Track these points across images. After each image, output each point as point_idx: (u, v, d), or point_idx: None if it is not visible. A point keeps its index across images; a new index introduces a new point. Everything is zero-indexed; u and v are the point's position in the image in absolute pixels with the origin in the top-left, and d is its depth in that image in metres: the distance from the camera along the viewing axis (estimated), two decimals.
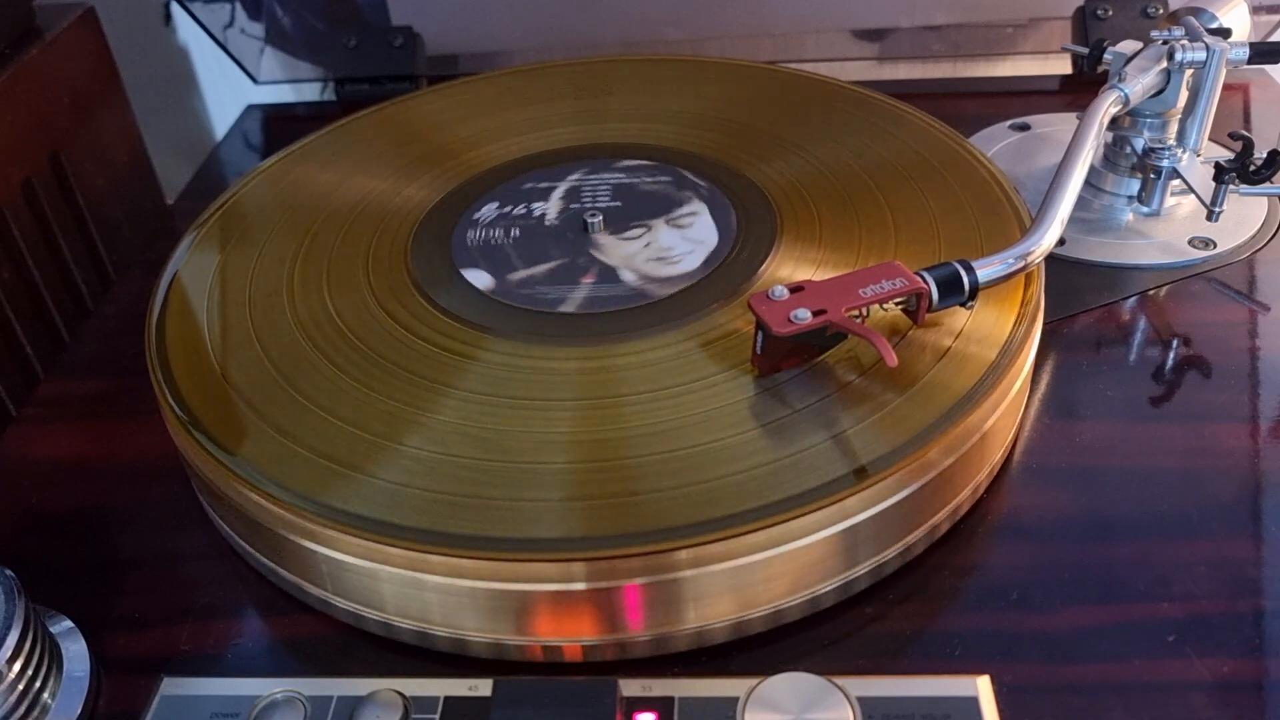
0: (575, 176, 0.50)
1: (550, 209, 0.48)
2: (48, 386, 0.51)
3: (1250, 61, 0.49)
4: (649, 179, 0.50)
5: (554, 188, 0.49)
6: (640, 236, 0.46)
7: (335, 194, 0.52)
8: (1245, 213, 0.53)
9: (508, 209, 0.48)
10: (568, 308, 0.42)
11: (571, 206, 0.48)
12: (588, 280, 0.44)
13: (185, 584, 0.39)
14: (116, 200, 0.66)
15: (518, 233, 0.46)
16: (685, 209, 0.48)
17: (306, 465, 0.37)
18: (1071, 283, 0.50)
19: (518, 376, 0.39)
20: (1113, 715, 0.33)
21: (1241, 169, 0.48)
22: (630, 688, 0.33)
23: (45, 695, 0.34)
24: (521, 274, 0.44)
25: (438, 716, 0.33)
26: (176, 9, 0.78)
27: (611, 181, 0.50)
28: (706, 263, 0.44)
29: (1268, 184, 0.49)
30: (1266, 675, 0.33)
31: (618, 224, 0.47)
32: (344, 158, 0.55)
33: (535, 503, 0.34)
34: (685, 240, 0.46)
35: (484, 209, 0.48)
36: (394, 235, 0.48)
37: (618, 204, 0.48)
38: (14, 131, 0.57)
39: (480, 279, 0.44)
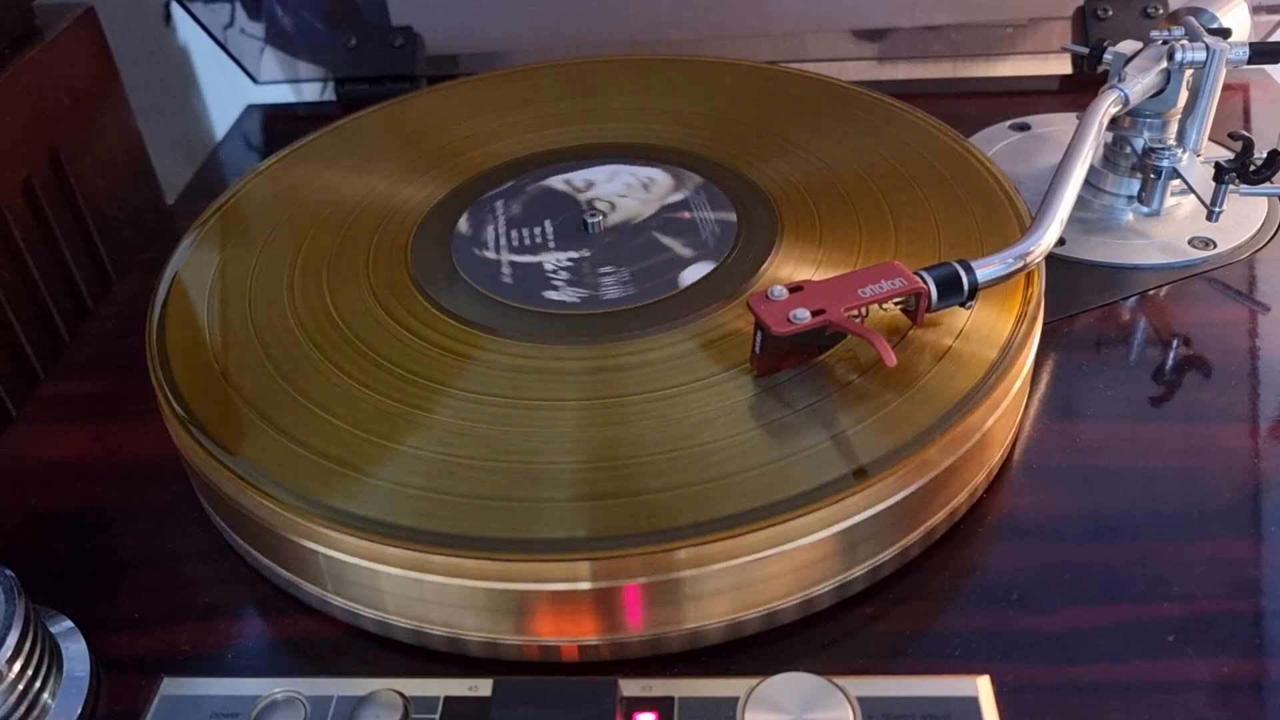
0: (489, 234, 0.48)
1: (551, 257, 0.46)
2: (48, 386, 0.51)
3: (1250, 61, 0.49)
4: (517, 199, 0.50)
5: (498, 257, 0.47)
6: (615, 205, 0.48)
7: (335, 194, 0.52)
8: (1245, 213, 0.53)
9: (531, 282, 0.45)
10: (730, 234, 0.44)
11: (546, 238, 0.47)
12: (686, 215, 0.45)
13: (185, 584, 0.39)
14: (116, 200, 0.66)
15: (589, 268, 0.45)
16: (579, 179, 0.50)
17: (306, 465, 0.37)
18: (1071, 283, 0.50)
19: (517, 376, 0.39)
20: (1113, 715, 0.33)
21: (1241, 169, 0.48)
22: (630, 688, 0.33)
23: (45, 695, 0.34)
24: (678, 251, 0.44)
25: (438, 716, 0.33)
26: (176, 9, 0.78)
27: (516, 209, 0.49)
28: (661, 166, 0.50)
29: (1268, 184, 0.49)
30: (1266, 675, 0.33)
31: (606, 214, 0.48)
32: (344, 158, 0.55)
33: (534, 502, 0.34)
34: (626, 181, 0.49)
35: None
36: (394, 235, 0.48)
37: (561, 215, 0.48)
38: (14, 131, 0.57)
39: (691, 273, 0.43)
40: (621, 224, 0.47)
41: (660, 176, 0.49)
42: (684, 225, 0.45)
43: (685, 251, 0.44)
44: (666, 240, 0.45)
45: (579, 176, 0.51)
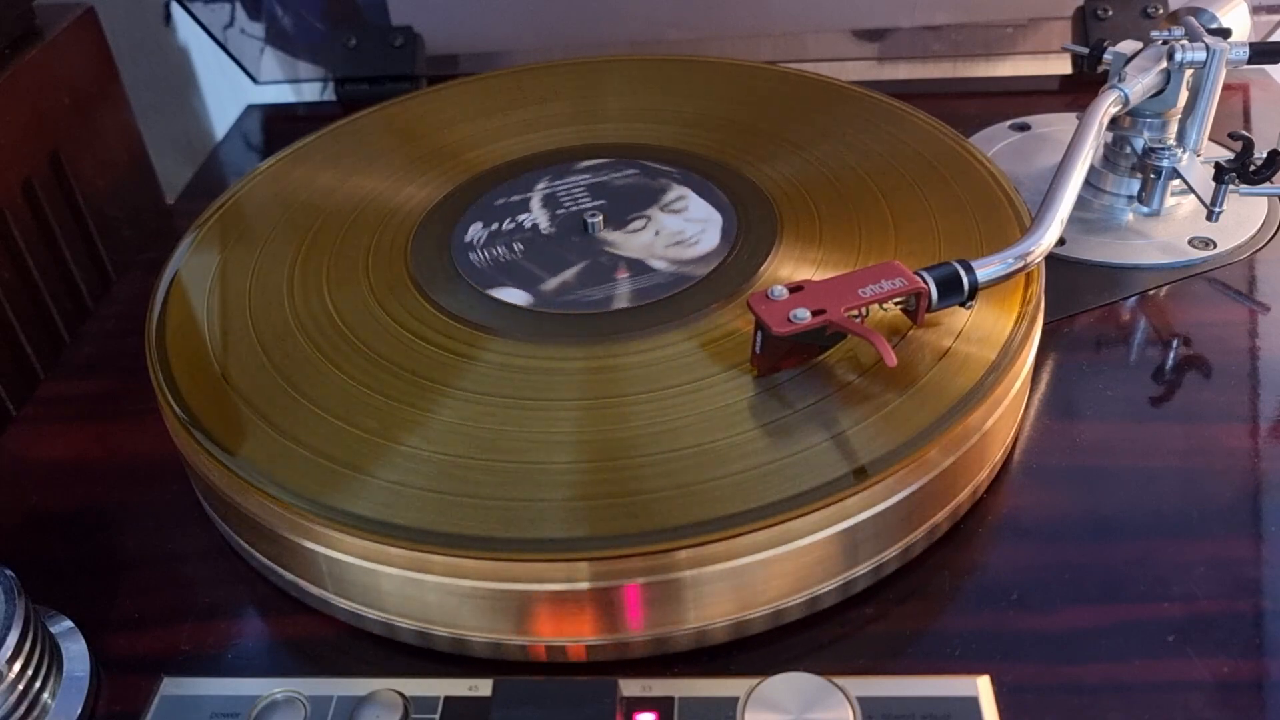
0: (545, 183, 0.50)
1: (539, 217, 0.47)
2: (48, 386, 0.51)
3: (1250, 61, 0.49)
4: (627, 174, 0.50)
5: (529, 196, 0.49)
6: (645, 227, 0.46)
7: (335, 194, 0.52)
8: (1245, 213, 0.53)
9: (495, 225, 0.47)
10: (620, 304, 0.42)
11: (559, 211, 0.48)
12: (622, 275, 0.44)
13: (185, 584, 0.39)
14: (116, 200, 0.66)
15: (521, 246, 0.46)
16: (672, 195, 0.48)
17: (306, 465, 0.37)
18: (1071, 283, 0.50)
19: (517, 376, 0.39)
20: (1113, 715, 0.33)
21: (1241, 169, 0.48)
22: (630, 688, 0.33)
23: (45, 695, 0.34)
24: (553, 283, 0.43)
25: (438, 716, 0.33)
26: (176, 9, 0.78)
27: (591, 181, 0.50)
28: (724, 238, 0.45)
29: (1268, 184, 0.49)
30: (1266, 675, 0.33)
31: (617, 220, 0.47)
32: (344, 158, 0.55)
33: (535, 503, 0.34)
34: (688, 222, 0.46)
35: (471, 228, 0.47)
36: (394, 235, 0.48)
37: (602, 202, 0.48)
38: (14, 131, 0.57)
39: (514, 295, 0.43)
40: (609, 240, 0.46)
41: (707, 243, 0.45)
42: (605, 274, 0.44)
43: (552, 283, 0.43)
44: (574, 267, 0.44)
45: (689, 198, 0.48)
